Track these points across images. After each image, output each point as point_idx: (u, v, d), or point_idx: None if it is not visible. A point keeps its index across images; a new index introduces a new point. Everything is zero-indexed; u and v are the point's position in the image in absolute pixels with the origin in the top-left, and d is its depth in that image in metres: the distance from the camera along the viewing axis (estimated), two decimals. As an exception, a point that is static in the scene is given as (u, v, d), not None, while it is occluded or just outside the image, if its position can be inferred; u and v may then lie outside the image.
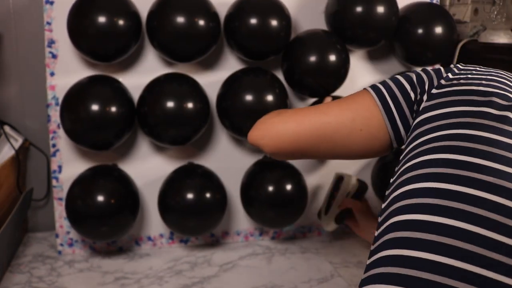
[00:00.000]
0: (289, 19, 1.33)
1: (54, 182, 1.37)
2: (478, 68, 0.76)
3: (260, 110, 1.29)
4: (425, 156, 0.65)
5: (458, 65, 0.77)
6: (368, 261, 0.65)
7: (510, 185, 0.58)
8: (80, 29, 1.25)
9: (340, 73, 1.33)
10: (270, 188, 1.34)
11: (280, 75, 1.38)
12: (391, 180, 0.70)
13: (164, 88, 1.29)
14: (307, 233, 1.52)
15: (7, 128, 1.43)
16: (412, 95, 0.75)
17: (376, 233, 0.67)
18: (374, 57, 1.50)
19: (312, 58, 1.30)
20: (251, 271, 1.30)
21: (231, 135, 1.42)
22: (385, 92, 0.77)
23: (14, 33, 1.44)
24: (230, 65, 1.42)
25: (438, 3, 1.53)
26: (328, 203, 1.38)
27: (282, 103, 1.32)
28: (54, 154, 1.36)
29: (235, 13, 1.31)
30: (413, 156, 0.67)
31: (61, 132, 1.34)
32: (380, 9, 1.31)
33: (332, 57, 1.30)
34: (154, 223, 1.43)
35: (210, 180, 1.35)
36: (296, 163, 1.43)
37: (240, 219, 1.47)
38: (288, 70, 1.36)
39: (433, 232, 0.58)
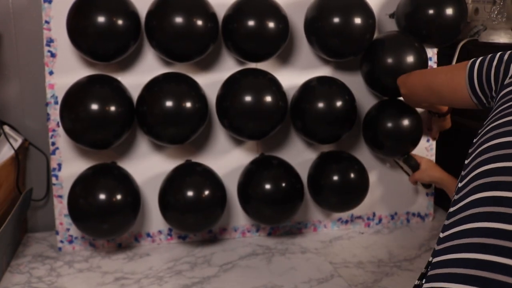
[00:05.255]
0: (286, 21, 1.34)
1: (53, 180, 1.37)
2: None
3: (258, 111, 1.30)
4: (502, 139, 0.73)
5: None
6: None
7: None
8: (79, 29, 1.25)
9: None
10: (267, 186, 1.34)
11: (277, 76, 1.38)
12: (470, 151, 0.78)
13: (163, 87, 1.29)
14: (303, 229, 1.53)
15: (6, 128, 1.43)
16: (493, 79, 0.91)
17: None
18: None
19: None
20: (251, 271, 1.29)
21: (230, 134, 1.43)
22: (475, 68, 0.94)
23: (14, 33, 1.43)
24: (228, 66, 1.42)
25: None
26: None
27: (280, 104, 1.34)
28: (53, 153, 1.36)
29: (233, 15, 1.31)
30: (490, 138, 0.75)
31: (60, 131, 1.34)
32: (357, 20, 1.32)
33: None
34: (153, 220, 1.43)
35: (210, 178, 1.36)
36: (292, 161, 1.44)
37: (238, 215, 1.48)
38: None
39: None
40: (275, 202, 1.36)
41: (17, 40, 1.44)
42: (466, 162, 0.77)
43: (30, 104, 1.47)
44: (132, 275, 1.27)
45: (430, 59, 1.51)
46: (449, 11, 1.35)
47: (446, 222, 0.71)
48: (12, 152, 1.40)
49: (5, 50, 1.44)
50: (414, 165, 1.47)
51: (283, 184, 1.36)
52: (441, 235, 0.71)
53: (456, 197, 0.73)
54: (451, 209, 0.72)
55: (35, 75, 1.43)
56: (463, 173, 0.76)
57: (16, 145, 1.42)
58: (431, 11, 1.36)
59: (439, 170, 1.45)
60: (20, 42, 1.44)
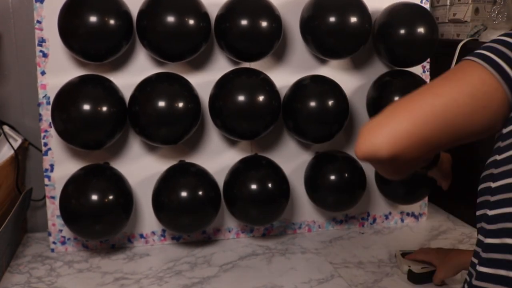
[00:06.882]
0: (279, 20, 1.34)
1: (46, 181, 1.36)
2: None
3: (251, 111, 1.30)
4: None
5: None
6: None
7: None
8: (70, 29, 1.24)
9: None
10: (252, 186, 1.33)
11: (271, 75, 1.38)
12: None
13: (156, 87, 1.29)
14: (298, 229, 1.53)
15: (6, 128, 1.43)
16: None
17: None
18: (356, 62, 1.51)
19: None
20: (251, 271, 1.29)
21: (223, 134, 1.42)
22: (495, 57, 0.68)
23: (14, 33, 1.43)
24: (221, 65, 1.42)
25: (428, 3, 1.52)
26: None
27: (273, 103, 1.34)
28: (45, 153, 1.36)
29: (225, 14, 1.31)
30: None
31: (52, 131, 1.33)
32: (354, 19, 1.31)
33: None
34: (146, 220, 1.43)
35: (204, 178, 1.35)
36: (286, 161, 1.44)
37: (231, 216, 1.47)
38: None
39: None
40: (259, 202, 1.35)
41: (17, 40, 1.44)
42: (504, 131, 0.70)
43: (29, 104, 1.46)
44: (132, 275, 1.27)
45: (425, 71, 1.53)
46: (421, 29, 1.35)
47: (496, 171, 0.69)
48: (11, 152, 1.40)
49: (5, 50, 1.44)
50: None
51: (269, 185, 1.35)
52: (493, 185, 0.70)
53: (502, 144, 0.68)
54: (498, 157, 0.69)
55: (35, 75, 1.42)
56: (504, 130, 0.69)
57: (16, 145, 1.42)
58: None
59: None
60: (20, 42, 1.44)
